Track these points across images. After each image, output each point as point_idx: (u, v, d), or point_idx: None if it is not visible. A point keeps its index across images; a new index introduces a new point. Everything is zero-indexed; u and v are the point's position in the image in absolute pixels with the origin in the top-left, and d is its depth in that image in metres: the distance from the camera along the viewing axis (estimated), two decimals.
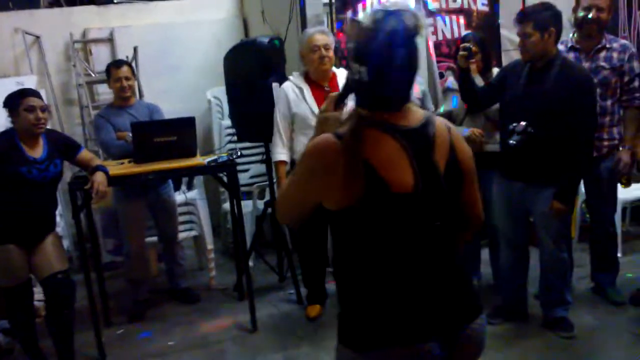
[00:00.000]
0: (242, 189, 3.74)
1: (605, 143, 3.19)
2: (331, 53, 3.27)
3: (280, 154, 3.38)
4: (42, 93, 3.10)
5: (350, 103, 1.44)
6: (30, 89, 3.13)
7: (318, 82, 3.33)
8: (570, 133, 2.73)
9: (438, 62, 4.14)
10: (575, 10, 3.25)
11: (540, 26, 2.74)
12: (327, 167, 1.29)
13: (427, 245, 1.36)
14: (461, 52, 3.00)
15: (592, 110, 2.84)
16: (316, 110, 3.25)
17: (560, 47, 3.21)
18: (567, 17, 4.15)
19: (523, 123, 2.75)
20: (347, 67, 1.38)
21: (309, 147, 1.36)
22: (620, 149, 3.21)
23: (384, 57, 1.28)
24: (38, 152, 2.96)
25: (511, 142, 2.76)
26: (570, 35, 3.28)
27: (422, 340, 1.32)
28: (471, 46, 3.00)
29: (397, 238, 1.33)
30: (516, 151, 2.78)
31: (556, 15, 2.80)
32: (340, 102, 1.45)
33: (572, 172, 2.81)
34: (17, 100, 2.90)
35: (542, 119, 2.74)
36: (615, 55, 3.13)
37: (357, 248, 1.36)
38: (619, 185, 3.32)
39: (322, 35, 3.28)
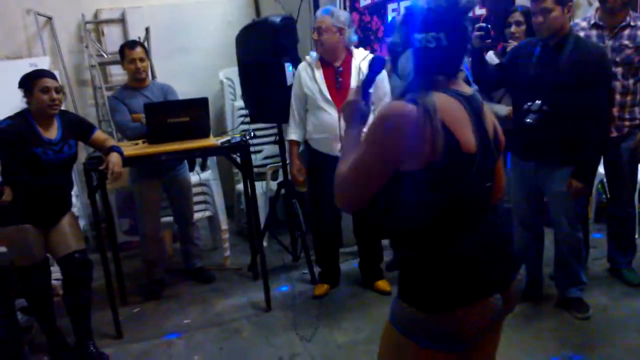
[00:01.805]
0: (255, 169, 3.74)
1: (627, 123, 3.14)
2: (334, 34, 3.21)
3: (293, 133, 3.40)
4: (56, 74, 3.10)
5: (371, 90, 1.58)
6: (45, 70, 3.13)
7: (330, 63, 3.31)
8: (586, 110, 2.69)
9: None
10: None
11: (561, 0, 2.69)
12: (410, 131, 1.35)
13: (483, 205, 1.50)
14: (477, 32, 2.95)
15: (607, 86, 2.80)
16: (325, 91, 3.24)
17: (583, 23, 3.15)
18: None
19: (538, 102, 2.72)
20: (406, 38, 1.46)
21: (384, 114, 1.39)
22: None
23: (459, 25, 1.42)
24: (53, 133, 2.97)
25: (527, 120, 2.73)
26: (593, 11, 3.21)
27: (489, 294, 1.44)
28: (488, 26, 2.94)
29: (462, 196, 1.40)
30: (531, 130, 2.75)
31: None
32: (366, 89, 1.56)
33: (591, 150, 2.77)
34: (32, 81, 2.90)
35: (557, 96, 2.70)
36: (639, 33, 3.05)
37: (425, 208, 1.41)
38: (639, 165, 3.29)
39: (324, 17, 3.23)
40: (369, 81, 1.59)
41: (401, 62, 1.47)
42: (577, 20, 3.30)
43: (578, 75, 2.67)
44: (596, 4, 3.23)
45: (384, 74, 3.26)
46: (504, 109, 3.23)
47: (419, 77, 1.44)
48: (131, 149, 3.27)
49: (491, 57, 3.42)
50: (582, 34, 3.10)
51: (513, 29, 3.33)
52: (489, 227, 1.50)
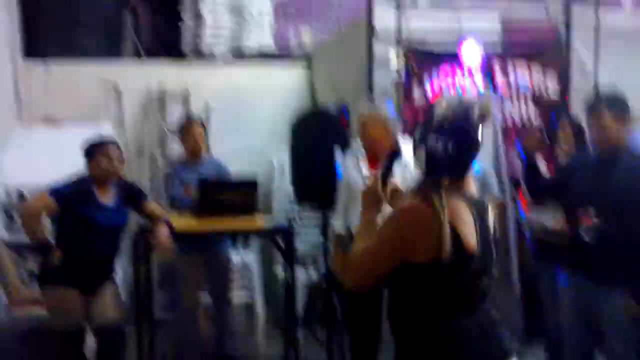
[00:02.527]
0: (298, 256, 3.73)
1: None
2: (378, 127, 3.22)
3: (337, 224, 3.37)
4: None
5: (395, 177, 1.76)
6: (109, 138, 3.28)
7: (375, 155, 3.34)
8: None
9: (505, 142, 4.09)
10: None
11: (618, 116, 2.67)
12: (422, 228, 1.53)
13: (479, 294, 1.64)
14: (531, 135, 2.95)
15: None
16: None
17: None
18: None
19: (596, 218, 2.64)
20: (418, 140, 1.64)
21: (401, 210, 1.61)
22: None
23: (469, 136, 1.60)
24: (109, 198, 3.06)
25: (585, 238, 2.65)
26: None
27: None
28: (542, 130, 2.94)
29: (461, 288, 1.59)
30: (589, 248, 2.66)
31: (627, 104, 2.72)
32: (385, 177, 1.71)
33: None
34: (96, 148, 3.03)
35: (615, 215, 2.62)
36: None
37: (425, 302, 1.60)
38: None
39: (371, 111, 3.29)
40: (386, 170, 1.74)
41: (417, 158, 1.65)
42: None
43: (634, 194, 2.61)
44: None
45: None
46: (552, 221, 3.14)
47: (428, 176, 1.61)
48: (179, 222, 3.32)
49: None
50: None
51: (561, 139, 3.28)
52: (481, 312, 1.65)
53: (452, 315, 1.59)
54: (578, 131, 3.22)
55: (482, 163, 3.52)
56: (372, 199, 1.71)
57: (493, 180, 3.55)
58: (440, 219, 1.51)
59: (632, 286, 2.63)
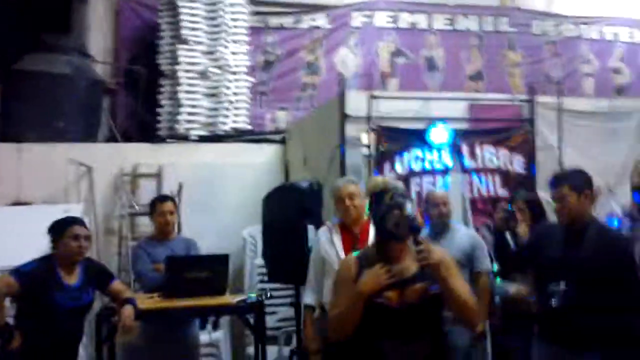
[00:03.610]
0: (268, 332, 3.62)
1: None
2: (357, 201, 3.31)
3: (308, 297, 3.33)
4: (86, 221, 3.20)
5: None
6: (77, 218, 3.23)
7: (349, 228, 3.36)
8: (614, 297, 2.61)
9: (474, 216, 4.16)
10: (632, 175, 3.16)
11: (576, 188, 2.77)
12: None
13: None
14: (500, 214, 3.02)
15: (632, 277, 2.72)
16: (342, 254, 3.25)
17: (619, 212, 3.17)
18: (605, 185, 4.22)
19: (562, 284, 2.66)
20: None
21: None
22: None
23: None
24: (73, 279, 2.98)
25: (551, 303, 2.65)
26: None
27: None
28: (512, 208, 3.02)
29: None
30: (556, 313, 2.65)
31: (589, 179, 2.83)
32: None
33: (621, 335, 2.64)
34: (64, 228, 2.98)
35: (582, 282, 2.65)
36: None
37: None
38: None
39: (348, 185, 3.35)
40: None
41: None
42: (614, 209, 3.33)
43: (601, 267, 2.64)
44: (616, 192, 3.29)
45: None
46: (513, 287, 3.16)
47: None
48: (146, 302, 3.23)
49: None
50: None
51: (518, 216, 3.38)
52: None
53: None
54: (534, 204, 3.32)
55: (471, 237, 3.57)
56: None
57: (480, 253, 3.58)
58: None
59: (600, 350, 2.61)
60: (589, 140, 4.68)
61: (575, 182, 2.78)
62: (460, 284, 2.19)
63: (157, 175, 5.08)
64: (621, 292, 2.65)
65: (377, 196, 2.26)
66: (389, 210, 2.19)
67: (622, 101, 5.45)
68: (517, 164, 4.23)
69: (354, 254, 2.35)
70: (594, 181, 2.94)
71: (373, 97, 4.16)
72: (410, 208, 2.22)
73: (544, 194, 4.19)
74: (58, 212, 3.71)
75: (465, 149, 4.24)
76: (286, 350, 4.01)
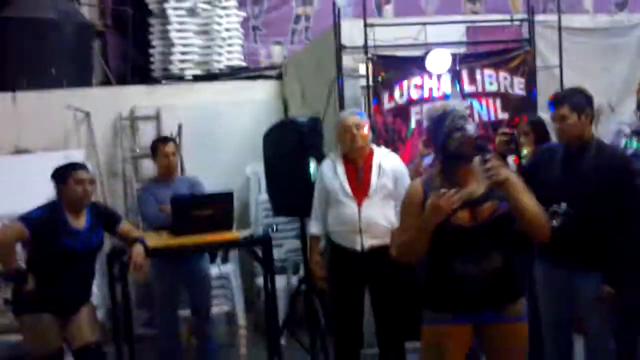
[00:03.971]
0: (277, 264, 3.73)
1: None
2: (363, 131, 3.34)
3: (314, 227, 3.41)
4: (89, 166, 3.21)
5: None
6: (79, 163, 3.25)
7: (353, 159, 3.39)
8: (614, 215, 2.66)
9: None
10: (638, 91, 3.14)
11: (577, 108, 2.75)
12: None
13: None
14: (501, 137, 3.01)
15: (634, 191, 2.76)
16: (346, 185, 3.30)
17: (626, 129, 3.17)
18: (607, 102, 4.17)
19: (564, 205, 2.70)
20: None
21: None
22: None
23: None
24: (81, 222, 3.03)
25: (553, 224, 2.69)
26: (639, 118, 3.21)
27: None
28: (513, 132, 3.01)
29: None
30: (558, 234, 2.70)
31: (589, 98, 2.82)
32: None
33: (622, 253, 2.70)
34: (66, 173, 3.00)
35: (583, 201, 2.68)
36: None
37: None
38: None
39: (353, 116, 3.36)
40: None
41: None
42: (621, 127, 3.32)
43: (601, 183, 2.66)
44: (618, 110, 3.27)
45: (404, 171, 3.37)
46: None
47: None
48: (155, 240, 3.30)
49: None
50: (622, 141, 3.11)
51: (522, 139, 3.37)
52: None
53: None
54: (539, 127, 3.31)
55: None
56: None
57: None
58: None
59: (604, 269, 2.68)
60: (589, 58, 4.60)
61: (575, 102, 2.76)
62: (528, 200, 2.22)
63: (156, 117, 5.06)
64: (622, 210, 2.69)
65: (438, 120, 2.28)
66: (450, 132, 2.22)
67: (621, 16, 5.30)
68: (518, 87, 4.18)
69: (420, 179, 2.40)
70: (595, 100, 2.93)
71: (368, 25, 4.06)
72: (472, 129, 2.26)
73: (545, 115, 4.18)
74: (59, 159, 3.72)
75: (464, 74, 4.17)
76: (294, 279, 4.13)
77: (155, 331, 3.92)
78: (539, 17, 4.39)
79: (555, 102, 2.84)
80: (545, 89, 4.15)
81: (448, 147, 2.25)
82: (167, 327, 3.66)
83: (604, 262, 2.69)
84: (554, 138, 3.13)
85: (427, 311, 2.32)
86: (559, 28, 4.27)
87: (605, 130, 3.42)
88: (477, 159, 2.27)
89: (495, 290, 2.25)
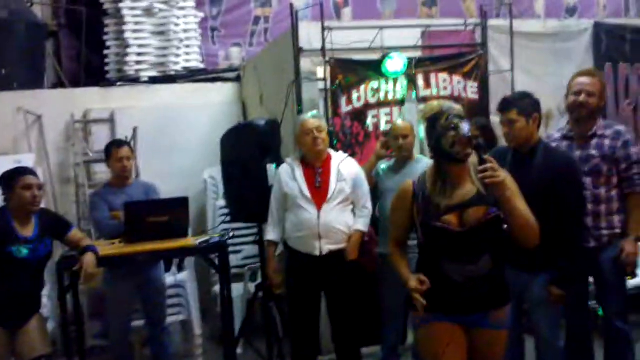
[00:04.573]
0: (234, 271, 3.69)
1: (605, 232, 3.06)
2: (324, 135, 3.35)
3: (271, 233, 3.40)
4: (39, 172, 3.13)
5: None
6: (27, 168, 3.16)
7: (311, 163, 3.39)
8: (560, 218, 2.72)
9: None
10: (567, 95, 3.17)
11: (525, 112, 2.83)
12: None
13: None
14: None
15: (577, 195, 2.83)
16: (305, 190, 3.29)
17: (556, 135, 3.25)
18: (556, 106, 4.29)
19: None
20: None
21: None
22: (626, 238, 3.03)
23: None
24: (29, 230, 2.94)
25: (504, 227, 2.75)
26: (565, 123, 3.28)
27: None
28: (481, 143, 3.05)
29: None
30: (508, 237, 2.76)
31: (537, 103, 2.90)
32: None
33: (567, 256, 2.77)
34: (14, 178, 2.91)
35: (530, 205, 2.73)
36: (607, 142, 3.04)
37: None
38: None
39: (315, 120, 3.38)
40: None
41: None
42: (551, 132, 3.41)
43: (548, 186, 2.73)
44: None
45: (366, 190, 3.39)
46: None
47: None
48: (107, 248, 3.23)
49: None
50: (554, 145, 3.19)
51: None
52: None
53: None
54: (486, 131, 3.37)
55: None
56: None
57: None
58: None
59: (550, 271, 2.76)
60: (540, 62, 4.73)
61: (523, 106, 2.84)
62: (522, 204, 2.22)
63: (110, 120, 4.94)
64: (567, 211, 2.77)
65: (433, 119, 2.25)
66: (445, 131, 2.18)
67: (571, 21, 5.47)
68: (471, 91, 4.25)
69: (412, 180, 2.36)
70: (544, 104, 3.00)
71: (326, 28, 4.06)
72: (467, 128, 2.20)
73: (497, 119, 4.27)
74: (9, 164, 3.62)
75: (420, 78, 4.23)
76: (252, 287, 4.09)
77: (108, 342, 3.83)
78: (492, 22, 4.48)
79: (504, 106, 2.91)
80: (498, 93, 4.24)
81: (442, 147, 2.21)
82: (120, 338, 3.57)
83: (552, 264, 2.76)
84: (502, 142, 3.20)
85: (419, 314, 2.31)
86: (511, 33, 4.37)
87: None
88: (473, 160, 2.24)
89: (482, 295, 2.25)
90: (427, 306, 2.22)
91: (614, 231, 3.08)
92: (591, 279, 3.22)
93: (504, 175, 2.17)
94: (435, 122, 2.23)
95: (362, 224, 3.34)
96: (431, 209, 2.23)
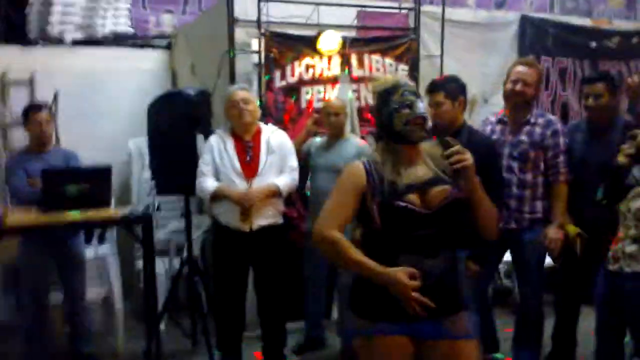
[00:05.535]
0: (159, 245, 3.60)
1: (527, 216, 3.19)
2: (251, 106, 3.32)
3: (209, 182, 3.28)
4: None
5: None
6: None
7: (241, 136, 3.36)
8: None
9: (360, 126, 4.27)
10: (505, 82, 3.28)
11: (451, 95, 2.94)
12: None
13: None
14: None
15: (496, 178, 2.94)
16: (237, 163, 3.27)
17: (492, 118, 3.38)
18: (481, 93, 4.46)
19: None
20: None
21: None
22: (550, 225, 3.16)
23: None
24: None
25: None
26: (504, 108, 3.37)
27: None
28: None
29: None
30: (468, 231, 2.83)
31: (463, 87, 3.02)
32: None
33: (478, 235, 2.89)
34: None
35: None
36: (537, 130, 3.16)
37: None
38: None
39: (242, 91, 3.36)
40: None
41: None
42: (488, 115, 3.52)
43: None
44: (491, 101, 3.50)
45: (292, 150, 3.34)
46: None
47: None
48: (22, 217, 3.06)
49: None
50: (488, 128, 3.32)
51: None
52: None
53: None
54: None
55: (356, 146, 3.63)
56: None
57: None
58: None
59: (469, 248, 2.89)
60: (468, 50, 4.87)
61: (450, 89, 2.95)
62: (483, 193, 2.03)
63: (30, 82, 4.65)
64: (486, 190, 2.89)
65: (385, 94, 2.00)
66: (398, 109, 1.95)
67: (499, 13, 5.65)
68: (402, 73, 4.32)
69: (360, 161, 2.01)
70: (470, 90, 3.11)
71: (263, 0, 4.00)
72: (422, 107, 1.99)
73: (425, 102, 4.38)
74: None
75: (353, 58, 4.26)
76: (176, 262, 4.02)
77: (23, 318, 3.64)
78: (425, 8, 4.56)
79: (432, 88, 3.01)
80: (427, 77, 4.34)
81: (393, 125, 1.96)
82: (35, 313, 3.42)
83: (472, 241, 2.88)
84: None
85: (359, 319, 1.98)
86: (442, 19, 4.47)
87: (479, 121, 3.64)
88: (425, 145, 2.02)
89: (436, 299, 1.86)
90: (369, 311, 1.94)
91: (535, 215, 3.22)
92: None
93: (471, 159, 1.97)
94: (387, 97, 1.99)
95: (281, 182, 3.29)
96: (389, 189, 1.92)
